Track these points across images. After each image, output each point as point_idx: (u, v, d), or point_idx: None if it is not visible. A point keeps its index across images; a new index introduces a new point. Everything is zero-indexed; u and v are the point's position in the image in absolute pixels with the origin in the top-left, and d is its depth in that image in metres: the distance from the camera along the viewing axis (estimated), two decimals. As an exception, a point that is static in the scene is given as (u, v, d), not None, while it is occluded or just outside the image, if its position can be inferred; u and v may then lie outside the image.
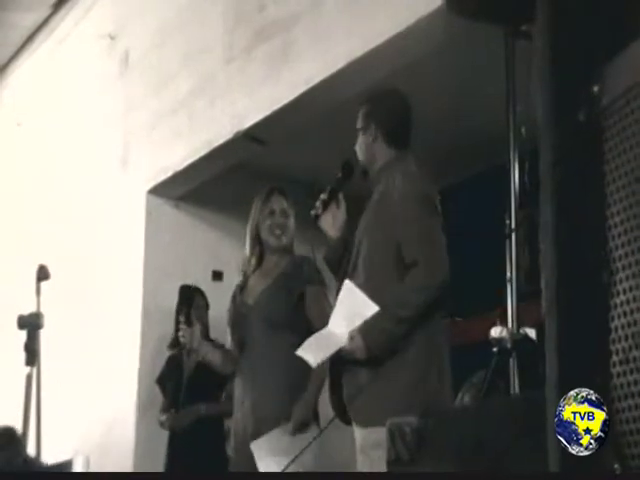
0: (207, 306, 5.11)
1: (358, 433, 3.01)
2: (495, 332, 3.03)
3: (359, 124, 3.29)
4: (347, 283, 3.06)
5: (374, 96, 3.39)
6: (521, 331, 3.04)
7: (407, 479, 2.06)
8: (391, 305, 2.99)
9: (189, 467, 4.76)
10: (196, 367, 5.02)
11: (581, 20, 1.26)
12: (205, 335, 4.64)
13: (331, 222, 3.28)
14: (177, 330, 4.93)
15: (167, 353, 5.34)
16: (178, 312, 4.79)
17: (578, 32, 1.25)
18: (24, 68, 7.79)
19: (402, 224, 3.02)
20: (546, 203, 1.22)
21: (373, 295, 2.99)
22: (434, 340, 3.04)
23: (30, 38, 7.52)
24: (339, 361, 3.08)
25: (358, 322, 2.97)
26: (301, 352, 3.09)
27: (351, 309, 3.03)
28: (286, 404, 3.50)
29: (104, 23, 6.56)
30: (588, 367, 1.24)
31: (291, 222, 3.71)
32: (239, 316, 3.70)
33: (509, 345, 2.99)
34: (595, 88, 1.23)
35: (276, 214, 3.68)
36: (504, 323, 3.05)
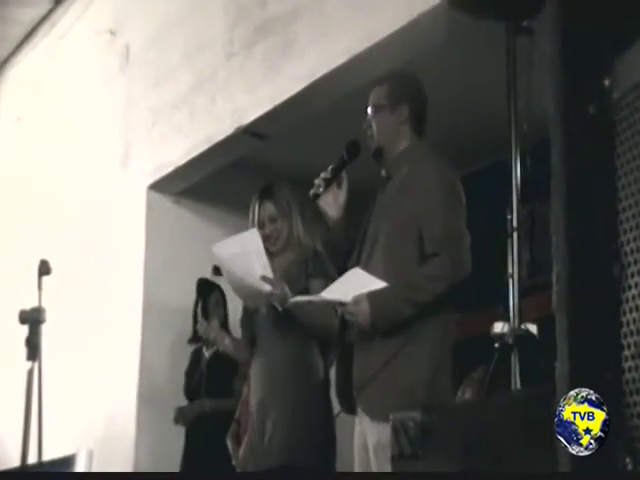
0: (224, 299, 5.12)
1: (372, 428, 2.93)
2: (497, 327, 3.03)
3: (381, 101, 3.17)
4: (356, 269, 3.03)
5: (399, 75, 3.30)
6: (523, 327, 3.04)
7: (410, 479, 2.06)
8: (406, 286, 2.95)
9: (197, 462, 4.79)
10: (208, 363, 5.06)
11: (592, 13, 1.25)
12: (224, 327, 4.71)
13: (332, 202, 3.17)
14: (195, 323, 5.01)
15: (167, 346, 5.37)
16: (196, 305, 4.86)
17: (589, 25, 1.24)
18: (24, 63, 7.78)
19: (426, 213, 2.97)
20: (557, 197, 1.21)
21: (391, 282, 2.94)
22: (446, 336, 3.03)
23: (30, 33, 7.51)
24: (348, 346, 3.05)
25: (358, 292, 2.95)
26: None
27: (352, 283, 3.01)
28: (288, 401, 3.52)
29: (104, 18, 6.56)
30: (599, 361, 1.24)
31: (282, 223, 3.70)
32: (248, 312, 3.73)
33: (511, 341, 2.99)
34: (606, 82, 1.23)
35: (265, 225, 3.68)
36: (506, 319, 3.05)
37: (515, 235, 3.15)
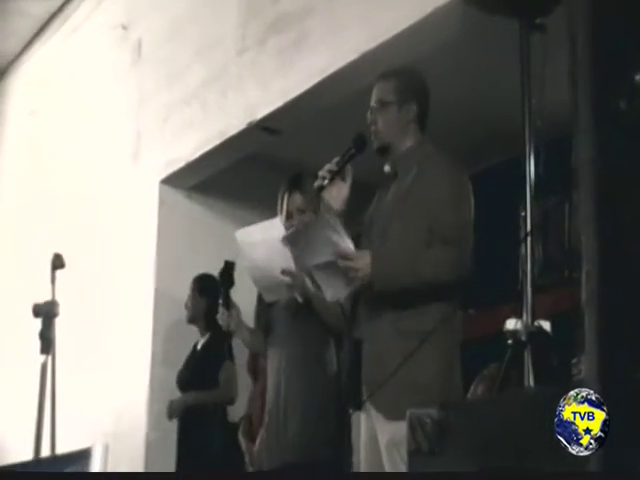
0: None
1: (385, 426, 2.94)
2: (510, 324, 3.02)
3: (389, 97, 3.17)
4: None
5: (407, 71, 3.28)
6: (536, 324, 3.04)
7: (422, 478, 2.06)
8: (411, 257, 2.99)
9: (189, 455, 4.80)
10: (197, 353, 5.07)
11: (623, 8, 1.25)
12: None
13: (335, 195, 3.16)
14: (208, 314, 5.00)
15: (178, 341, 5.40)
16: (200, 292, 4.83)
17: (620, 21, 1.24)
18: (37, 57, 7.80)
19: (436, 209, 3.00)
20: (587, 194, 1.20)
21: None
22: (457, 333, 3.06)
23: (43, 27, 7.53)
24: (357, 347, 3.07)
25: None
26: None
27: None
28: (303, 396, 3.53)
29: (117, 13, 6.57)
30: (629, 360, 1.23)
31: (309, 215, 3.66)
32: (264, 303, 3.73)
33: (524, 337, 2.98)
34: (637, 77, 1.22)
35: (293, 215, 3.67)
36: (519, 315, 3.04)
37: (529, 232, 3.14)
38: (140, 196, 5.97)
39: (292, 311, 3.60)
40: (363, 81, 4.27)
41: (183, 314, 5.26)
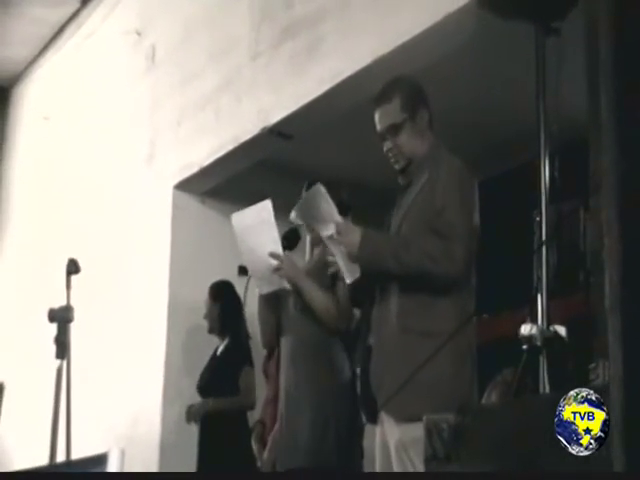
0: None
1: (394, 427, 2.94)
2: (525, 329, 3.01)
3: (399, 117, 3.14)
4: None
5: (402, 83, 3.27)
6: (551, 328, 3.03)
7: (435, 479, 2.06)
8: (399, 241, 3.01)
9: (207, 460, 4.80)
10: (217, 359, 5.07)
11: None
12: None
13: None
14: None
15: (192, 346, 5.41)
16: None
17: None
18: (51, 63, 7.83)
19: (440, 209, 2.99)
20: (610, 200, 1.20)
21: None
22: (469, 337, 3.04)
23: (58, 33, 7.56)
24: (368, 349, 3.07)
25: None
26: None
27: None
28: (314, 396, 3.52)
29: (131, 19, 6.59)
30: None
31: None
32: (271, 298, 3.74)
33: (539, 342, 2.97)
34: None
35: None
36: (534, 320, 3.03)
37: (544, 237, 3.13)
38: (154, 201, 5.99)
39: (297, 308, 3.60)
40: (377, 86, 4.25)
41: (197, 318, 5.27)
